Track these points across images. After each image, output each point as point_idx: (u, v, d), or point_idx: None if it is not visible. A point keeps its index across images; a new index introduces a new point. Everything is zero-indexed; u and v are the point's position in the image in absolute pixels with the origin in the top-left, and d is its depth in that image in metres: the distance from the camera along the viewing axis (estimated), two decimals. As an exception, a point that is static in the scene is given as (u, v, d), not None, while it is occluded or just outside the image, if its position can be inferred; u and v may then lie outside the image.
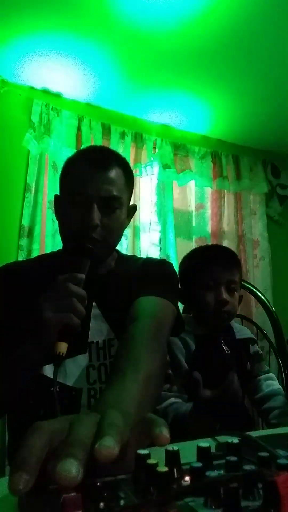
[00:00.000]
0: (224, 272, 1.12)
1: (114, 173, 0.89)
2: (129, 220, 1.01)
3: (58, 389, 0.81)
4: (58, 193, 0.97)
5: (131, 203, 1.01)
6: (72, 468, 0.30)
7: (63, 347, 0.70)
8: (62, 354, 0.69)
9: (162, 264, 1.03)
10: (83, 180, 0.87)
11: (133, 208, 1.02)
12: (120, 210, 0.91)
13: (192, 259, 1.21)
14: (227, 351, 1.12)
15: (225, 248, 1.45)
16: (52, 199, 2.51)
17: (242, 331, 1.22)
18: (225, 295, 1.09)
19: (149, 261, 1.05)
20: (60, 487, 0.30)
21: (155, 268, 0.99)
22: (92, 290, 0.91)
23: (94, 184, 0.86)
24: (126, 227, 1.00)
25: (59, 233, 0.99)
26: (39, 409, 0.84)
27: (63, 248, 1.01)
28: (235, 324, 1.24)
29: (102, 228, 0.87)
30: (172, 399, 1.01)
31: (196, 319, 1.15)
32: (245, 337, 1.20)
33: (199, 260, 1.18)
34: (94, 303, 0.91)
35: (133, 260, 1.06)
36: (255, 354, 1.19)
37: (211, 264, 1.13)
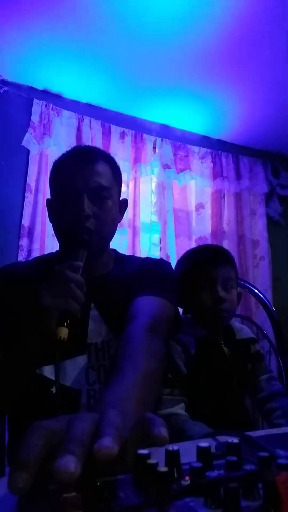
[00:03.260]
0: (218, 271, 1.11)
1: (101, 166, 0.92)
2: (122, 215, 1.03)
3: (59, 385, 0.82)
4: (49, 198, 0.99)
5: (129, 204, 1.02)
6: (70, 464, 0.30)
7: (64, 332, 0.69)
8: (64, 339, 0.69)
9: (160, 264, 1.03)
10: (71, 175, 0.89)
11: (125, 203, 1.03)
12: (111, 201, 0.93)
13: (185, 261, 1.21)
14: (228, 352, 1.12)
15: (217, 246, 1.45)
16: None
17: (242, 331, 1.21)
18: (221, 293, 1.09)
19: (146, 261, 1.05)
20: (59, 485, 0.30)
21: (153, 268, 0.99)
22: (90, 291, 0.91)
23: (83, 177, 0.89)
24: (119, 222, 1.01)
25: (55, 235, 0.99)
26: (39, 409, 0.84)
27: (59, 247, 1.01)
28: (235, 323, 1.23)
29: (94, 218, 0.88)
30: (179, 411, 1.00)
31: (195, 320, 1.15)
32: (246, 337, 1.19)
33: (192, 261, 1.18)
34: (92, 305, 0.91)
35: (131, 260, 1.06)
36: (255, 354, 1.19)
37: (204, 264, 1.13)
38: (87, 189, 0.88)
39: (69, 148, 1.02)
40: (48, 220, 2.51)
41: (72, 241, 0.87)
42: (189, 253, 1.25)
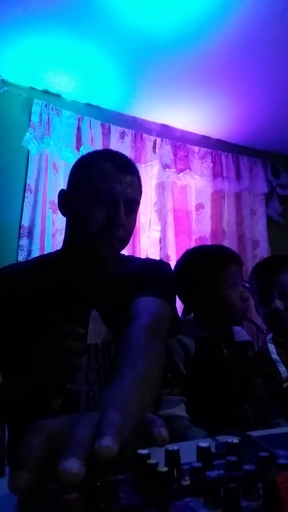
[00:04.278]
0: (239, 270, 1.13)
1: (135, 178, 0.94)
2: None
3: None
4: (65, 189, 0.97)
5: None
6: (74, 466, 0.30)
7: (57, 403, 0.70)
8: (55, 408, 0.70)
9: (159, 265, 1.03)
10: (111, 179, 0.89)
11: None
12: (135, 214, 0.95)
13: (205, 260, 1.19)
14: (227, 353, 1.12)
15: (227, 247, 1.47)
16: (52, 199, 2.48)
17: (240, 333, 1.22)
18: (246, 293, 1.11)
19: (146, 262, 1.05)
20: (61, 486, 0.30)
21: (153, 269, 0.99)
22: (91, 292, 0.91)
23: (123, 186, 0.89)
24: None
25: (67, 228, 0.97)
26: (36, 412, 0.84)
27: (67, 244, 0.98)
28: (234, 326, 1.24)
29: (123, 228, 0.89)
30: (180, 412, 0.99)
31: (196, 321, 1.15)
32: (244, 340, 1.20)
33: (216, 258, 1.17)
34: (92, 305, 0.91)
35: (131, 260, 1.06)
36: (252, 357, 1.19)
37: (229, 263, 1.15)
38: (123, 199, 0.89)
39: (102, 150, 1.00)
40: (48, 220, 2.49)
41: (100, 245, 0.88)
42: (204, 251, 1.26)
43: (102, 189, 0.88)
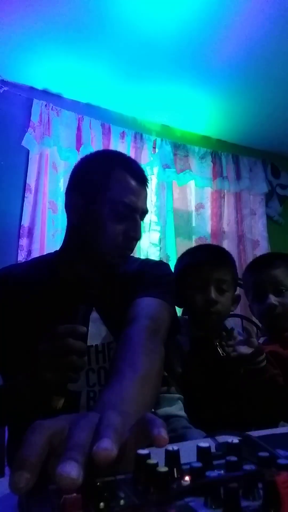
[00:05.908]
0: (213, 271, 1.10)
1: (147, 189, 0.96)
2: None
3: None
4: (69, 191, 0.94)
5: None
6: (72, 471, 0.30)
7: (59, 402, 0.69)
8: (58, 408, 0.69)
9: (159, 266, 1.03)
10: (131, 193, 0.90)
11: None
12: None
13: (183, 260, 1.21)
14: (222, 354, 1.11)
15: (216, 247, 1.44)
16: (52, 199, 2.46)
17: (239, 335, 1.22)
18: (214, 295, 1.08)
19: (146, 262, 1.05)
20: (61, 489, 0.30)
21: (153, 270, 0.99)
22: (91, 293, 0.91)
23: (140, 200, 0.91)
24: None
25: (70, 230, 0.95)
26: (38, 409, 0.84)
27: (68, 244, 0.97)
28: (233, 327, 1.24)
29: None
30: (178, 412, 0.99)
31: (190, 320, 1.15)
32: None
33: (189, 260, 1.18)
34: (92, 307, 0.91)
35: (130, 261, 1.06)
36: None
37: (199, 263, 1.13)
38: (140, 212, 0.91)
39: (118, 155, 0.97)
40: (48, 220, 2.47)
41: (108, 261, 0.90)
42: (187, 252, 1.25)
43: (122, 203, 0.88)
